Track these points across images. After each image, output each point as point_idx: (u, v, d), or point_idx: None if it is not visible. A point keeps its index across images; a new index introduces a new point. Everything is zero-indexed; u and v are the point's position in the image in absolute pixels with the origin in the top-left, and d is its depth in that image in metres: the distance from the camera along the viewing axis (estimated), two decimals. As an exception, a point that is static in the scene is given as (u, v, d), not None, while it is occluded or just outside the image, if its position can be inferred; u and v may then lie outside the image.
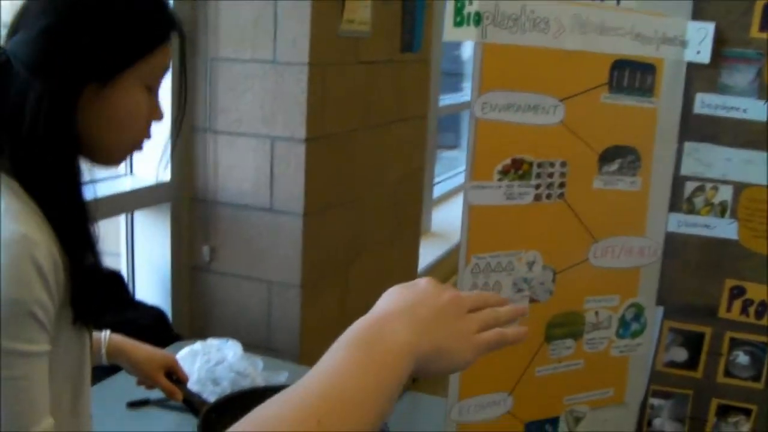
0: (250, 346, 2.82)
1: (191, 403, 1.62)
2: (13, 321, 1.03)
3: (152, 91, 1.23)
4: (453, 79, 5.95)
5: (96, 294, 1.21)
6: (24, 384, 1.04)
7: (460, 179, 6.01)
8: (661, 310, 1.82)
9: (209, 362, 2.11)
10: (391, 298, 0.99)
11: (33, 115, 1.11)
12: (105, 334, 1.63)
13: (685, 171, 1.76)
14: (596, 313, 1.77)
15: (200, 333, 2.90)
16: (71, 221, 1.16)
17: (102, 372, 1.86)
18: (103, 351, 1.62)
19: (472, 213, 1.61)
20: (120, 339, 1.66)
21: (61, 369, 1.18)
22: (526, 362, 1.73)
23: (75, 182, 1.18)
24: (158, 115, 1.26)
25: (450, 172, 6.15)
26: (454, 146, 6.50)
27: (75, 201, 1.18)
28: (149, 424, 1.96)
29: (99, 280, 1.23)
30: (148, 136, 1.27)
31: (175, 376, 1.69)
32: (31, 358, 1.05)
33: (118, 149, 1.24)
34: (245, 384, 2.10)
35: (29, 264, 1.04)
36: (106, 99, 1.17)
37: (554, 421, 1.81)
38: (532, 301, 1.70)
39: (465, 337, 0.98)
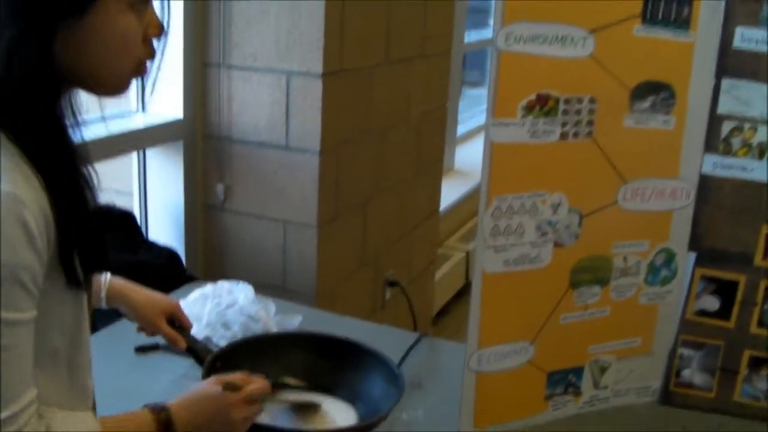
0: (264, 288, 2.76)
1: (195, 352, 1.55)
2: None
3: (139, 8, 1.12)
4: (479, 15, 5.80)
5: (88, 251, 1.13)
6: (7, 355, 1.00)
7: (485, 117, 5.88)
8: (693, 256, 1.72)
9: (220, 305, 2.04)
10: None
11: (7, 58, 1.02)
12: (105, 277, 1.56)
13: (722, 110, 1.65)
14: (624, 258, 1.68)
15: (214, 274, 2.84)
16: (58, 170, 1.08)
17: (110, 315, 1.79)
18: (103, 295, 1.55)
19: (494, 152, 1.51)
20: (121, 282, 1.58)
21: (56, 323, 1.13)
22: (550, 309, 1.64)
23: (58, 126, 1.10)
24: (155, 30, 1.15)
25: (474, 109, 6.02)
26: (479, 83, 6.37)
27: (60, 146, 1.10)
28: (158, 369, 1.90)
29: (91, 235, 1.14)
30: (150, 55, 1.16)
31: (178, 322, 1.61)
32: (16, 327, 1.01)
33: (119, 76, 1.14)
34: (257, 328, 2.03)
35: (15, 225, 0.98)
36: (89, 28, 1.07)
37: (578, 371, 1.72)
38: (556, 245, 1.60)
39: None
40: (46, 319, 1.10)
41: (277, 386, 1.52)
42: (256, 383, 1.32)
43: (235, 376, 1.31)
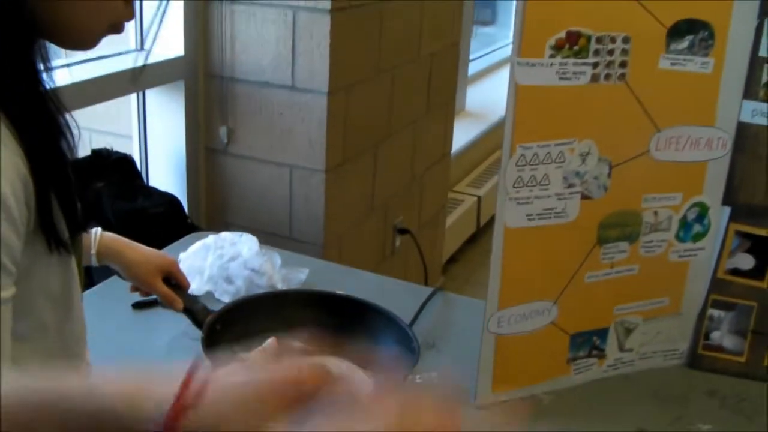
0: (270, 236, 2.66)
1: (193, 313, 1.43)
2: None
3: None
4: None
5: (70, 210, 1.04)
6: None
7: (496, 56, 5.74)
8: (727, 211, 1.60)
9: (222, 258, 1.93)
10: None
11: None
12: (95, 233, 1.44)
13: (764, 52, 1.51)
14: (655, 212, 1.55)
15: (217, 222, 2.74)
16: (32, 122, 0.98)
17: (107, 271, 1.68)
18: (93, 252, 1.43)
19: (519, 95, 1.38)
20: (112, 238, 1.46)
21: (42, 292, 1.04)
22: (575, 267, 1.53)
23: (31, 75, 0.99)
24: None
25: (486, 48, 5.86)
26: (490, 22, 6.20)
27: (33, 96, 1.00)
28: (156, 326, 1.79)
29: (72, 192, 1.05)
30: (129, 17, 1.06)
31: (174, 281, 1.49)
32: None
33: (92, 32, 1.04)
34: (261, 282, 1.92)
35: None
36: None
37: (603, 333, 1.61)
38: (584, 197, 1.48)
39: None
40: (31, 289, 1.01)
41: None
42: None
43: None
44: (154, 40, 1.19)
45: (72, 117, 1.04)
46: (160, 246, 2.16)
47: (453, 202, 4.26)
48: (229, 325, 1.37)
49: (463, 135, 4.49)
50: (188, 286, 1.49)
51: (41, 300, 1.03)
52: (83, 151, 2.50)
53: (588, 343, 1.61)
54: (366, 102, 2.73)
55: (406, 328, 1.41)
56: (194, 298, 1.46)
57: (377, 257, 3.12)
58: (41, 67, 1.00)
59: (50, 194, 0.99)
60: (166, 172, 2.70)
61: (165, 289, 1.45)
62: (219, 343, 1.28)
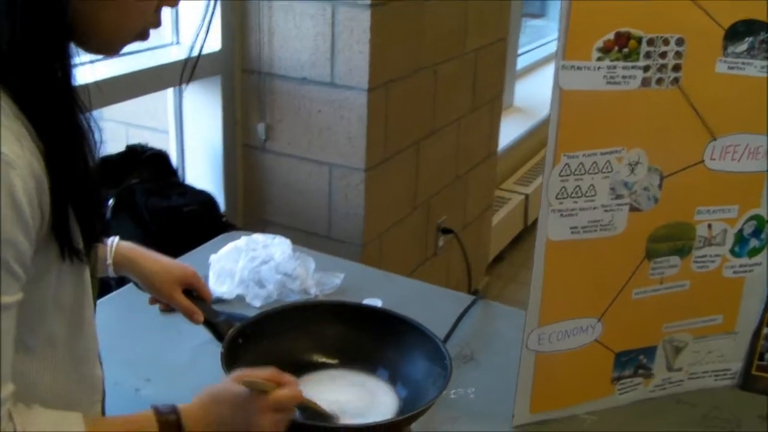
0: (308, 235, 2.60)
1: (214, 326, 1.36)
2: None
3: None
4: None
5: (87, 216, 0.98)
6: None
7: (546, 50, 5.62)
8: (787, 223, 1.49)
9: (254, 261, 1.87)
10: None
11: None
12: (112, 242, 1.38)
13: (828, 54, 1.41)
14: (709, 226, 1.46)
15: (253, 221, 2.68)
16: (53, 124, 0.93)
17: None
18: (109, 261, 1.37)
19: (564, 100, 1.29)
20: (129, 248, 1.40)
21: (53, 303, 0.98)
22: (622, 283, 1.44)
23: (58, 78, 0.94)
24: (172, 1, 1.02)
25: (535, 42, 5.74)
26: (540, 15, 6.08)
27: (59, 97, 0.95)
28: (184, 329, 1.73)
29: (90, 199, 0.99)
30: (156, 24, 1.03)
31: (195, 292, 1.42)
32: None
33: (119, 37, 1.01)
34: (294, 287, 1.86)
35: (3, 197, 0.84)
36: None
37: (650, 352, 1.52)
38: (633, 209, 1.39)
39: None
40: (41, 299, 0.96)
41: (307, 365, 1.35)
42: (288, 389, 1.11)
43: (263, 374, 1.11)
44: (205, 36, 1.14)
45: (95, 120, 0.99)
46: (193, 245, 2.12)
47: (499, 200, 4.17)
48: (252, 338, 1.31)
49: (511, 131, 4.39)
50: (210, 298, 1.42)
51: (52, 310, 0.98)
52: (119, 146, 2.46)
53: (634, 361, 1.51)
54: (407, 99, 2.65)
55: (439, 344, 1.33)
56: (216, 311, 1.39)
57: (419, 257, 3.04)
58: (67, 67, 0.95)
59: (66, 199, 0.93)
60: (202, 168, 2.64)
61: (185, 301, 1.39)
62: (241, 358, 1.21)
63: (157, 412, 1.04)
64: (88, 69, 1.00)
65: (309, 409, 1.21)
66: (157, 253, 1.42)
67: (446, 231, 3.14)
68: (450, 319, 1.80)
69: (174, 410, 1.05)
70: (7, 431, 0.91)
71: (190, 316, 1.38)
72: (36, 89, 0.91)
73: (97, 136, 1.00)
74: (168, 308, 1.43)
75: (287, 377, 1.12)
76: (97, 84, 1.02)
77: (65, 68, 0.94)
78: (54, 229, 0.93)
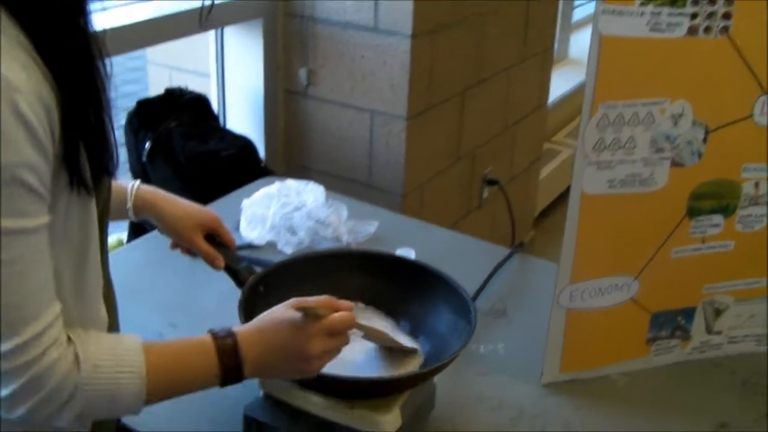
0: (349, 182, 2.56)
1: (235, 272, 1.33)
2: None
3: None
4: None
5: (97, 147, 0.97)
6: (20, 268, 0.87)
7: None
8: (840, 182, 1.41)
9: (286, 207, 1.83)
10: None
11: None
12: (132, 185, 1.35)
13: None
14: (756, 184, 1.38)
15: (294, 166, 2.65)
16: (68, 54, 0.92)
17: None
18: (129, 205, 1.34)
19: (604, 47, 1.23)
20: (150, 191, 1.37)
21: (60, 237, 0.96)
22: (661, 241, 1.38)
23: (74, 13, 0.92)
24: None
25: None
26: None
27: (71, 26, 0.93)
28: (213, 274, 1.71)
29: (101, 130, 0.97)
30: None
31: (218, 238, 1.39)
32: (25, 236, 0.88)
33: None
34: (326, 234, 1.83)
35: (11, 116, 0.83)
36: None
37: (689, 313, 1.46)
38: (675, 164, 1.33)
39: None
40: (52, 228, 0.94)
41: None
42: (342, 313, 1.09)
43: (319, 301, 1.09)
44: None
45: (108, 55, 0.97)
46: (230, 190, 2.09)
47: (549, 153, 4.08)
48: (273, 287, 1.27)
49: (564, 83, 4.29)
50: (233, 243, 1.39)
51: (60, 242, 0.96)
52: (159, 89, 2.44)
53: (671, 323, 1.46)
54: (453, 47, 2.57)
55: (464, 295, 1.28)
56: (238, 257, 1.36)
57: (463, 209, 2.99)
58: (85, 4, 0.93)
59: (76, 129, 0.92)
60: (243, 114, 2.61)
61: (205, 246, 1.36)
62: (260, 306, 1.18)
63: (215, 336, 1.03)
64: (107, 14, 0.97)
65: (380, 339, 1.22)
66: (179, 198, 1.39)
67: (492, 182, 3.07)
68: (485, 272, 1.75)
69: (231, 334, 1.04)
70: (70, 353, 0.91)
71: (211, 262, 1.35)
72: (45, 16, 0.89)
73: (108, 68, 0.98)
74: (189, 253, 1.40)
75: (342, 303, 1.11)
76: (127, 27, 0.99)
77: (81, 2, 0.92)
78: (64, 158, 0.91)
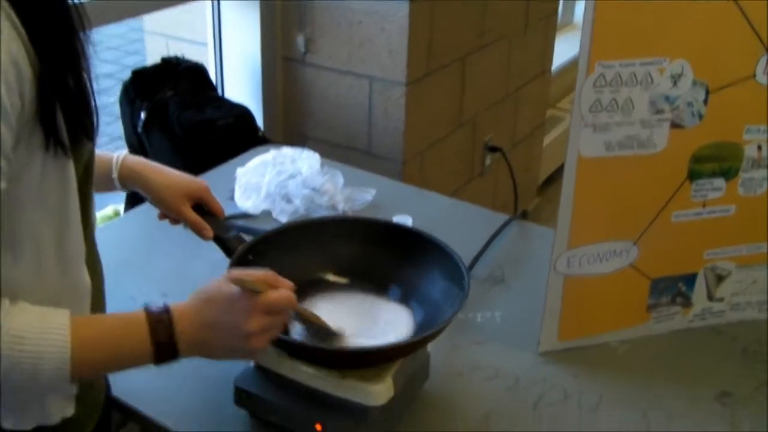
0: (348, 150, 2.52)
1: (224, 242, 1.30)
2: None
3: None
4: None
5: (73, 107, 0.94)
6: None
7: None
8: None
9: (281, 175, 1.80)
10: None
11: None
12: (118, 156, 1.32)
13: None
14: (759, 146, 1.35)
15: (293, 135, 2.62)
16: (46, 17, 0.89)
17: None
18: (114, 175, 1.31)
19: (600, 3, 1.18)
20: (137, 161, 1.34)
21: (37, 201, 0.94)
22: (660, 205, 1.34)
23: None
24: None
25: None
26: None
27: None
28: (204, 244, 1.69)
29: (78, 90, 0.95)
30: None
31: (206, 207, 1.36)
32: None
33: None
34: (322, 202, 1.80)
35: None
36: None
37: (690, 279, 1.43)
38: (675, 126, 1.29)
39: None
40: (26, 193, 0.92)
41: (319, 284, 1.28)
42: (281, 291, 1.03)
43: (257, 275, 1.03)
44: None
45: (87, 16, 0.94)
46: (227, 159, 2.06)
47: (553, 119, 4.04)
48: (262, 256, 1.24)
49: (569, 49, 4.22)
50: (222, 212, 1.36)
51: (36, 208, 0.93)
52: (156, 59, 2.40)
53: (672, 289, 1.43)
54: (453, 12, 2.53)
55: (457, 260, 1.25)
56: (227, 227, 1.33)
57: (464, 176, 2.95)
58: None
59: (52, 88, 0.89)
60: (241, 82, 2.57)
61: (193, 215, 1.33)
62: (250, 275, 1.15)
63: (149, 312, 0.99)
64: None
65: (309, 322, 1.16)
66: (166, 167, 1.35)
67: (494, 149, 3.03)
68: (484, 239, 1.72)
69: (166, 310, 0.99)
70: None
71: (199, 232, 1.33)
72: None
73: (89, 32, 0.95)
74: (177, 223, 1.37)
75: (282, 281, 1.05)
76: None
77: None
78: (39, 117, 0.89)
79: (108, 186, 1.31)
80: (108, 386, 1.23)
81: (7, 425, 0.97)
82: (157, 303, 1.01)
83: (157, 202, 1.34)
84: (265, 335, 1.03)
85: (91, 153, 1.05)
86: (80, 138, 0.97)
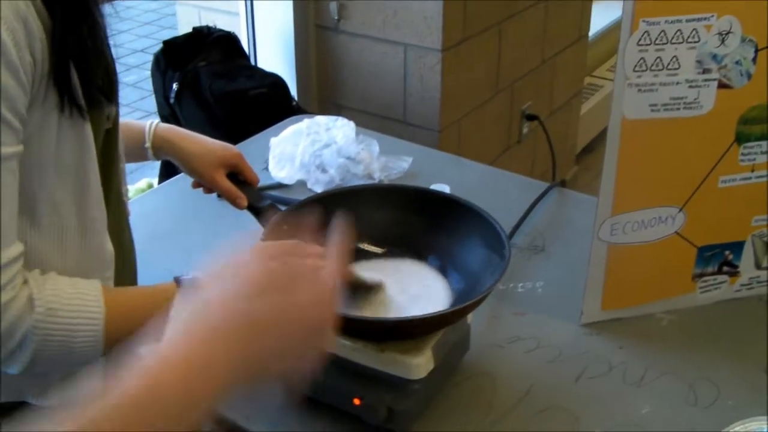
0: (383, 119, 2.49)
1: (258, 211, 1.27)
2: None
3: None
4: None
5: (89, 70, 0.91)
6: None
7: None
8: None
9: (315, 144, 1.77)
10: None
11: None
12: (150, 124, 1.30)
13: None
14: (811, 106, 1.29)
15: (327, 104, 2.59)
16: None
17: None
18: (147, 144, 1.29)
19: (645, -39, 1.13)
20: (169, 129, 1.32)
21: (53, 167, 0.92)
22: (707, 169, 1.29)
23: None
24: None
25: None
26: None
27: None
28: (241, 215, 1.67)
29: (95, 53, 0.93)
30: None
31: (241, 176, 1.33)
32: None
33: None
34: (357, 171, 1.77)
35: None
36: None
37: (737, 247, 1.38)
38: (722, 86, 1.23)
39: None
40: (42, 157, 0.90)
41: (356, 253, 1.25)
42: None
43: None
44: None
45: None
46: (260, 129, 2.04)
47: (591, 87, 3.97)
48: (297, 225, 1.21)
49: (607, 15, 4.15)
50: (256, 180, 1.33)
51: (54, 172, 0.92)
52: (187, 29, 2.37)
53: (718, 257, 1.38)
54: (489, -25, 2.48)
55: (497, 228, 1.21)
56: (261, 196, 1.30)
57: (501, 145, 2.91)
58: None
59: (65, 48, 0.87)
60: (274, 51, 2.54)
61: (227, 183, 1.30)
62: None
63: (179, 283, 0.98)
64: None
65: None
66: (200, 135, 1.33)
67: (531, 117, 2.98)
68: (523, 208, 1.68)
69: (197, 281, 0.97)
70: (23, 295, 0.86)
71: (233, 201, 1.31)
72: None
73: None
74: (211, 192, 1.35)
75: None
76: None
77: None
78: (53, 76, 0.87)
79: (141, 156, 1.30)
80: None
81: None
82: (186, 274, 0.99)
83: (191, 170, 1.32)
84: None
85: (115, 117, 1.03)
86: (98, 100, 0.95)
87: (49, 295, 0.88)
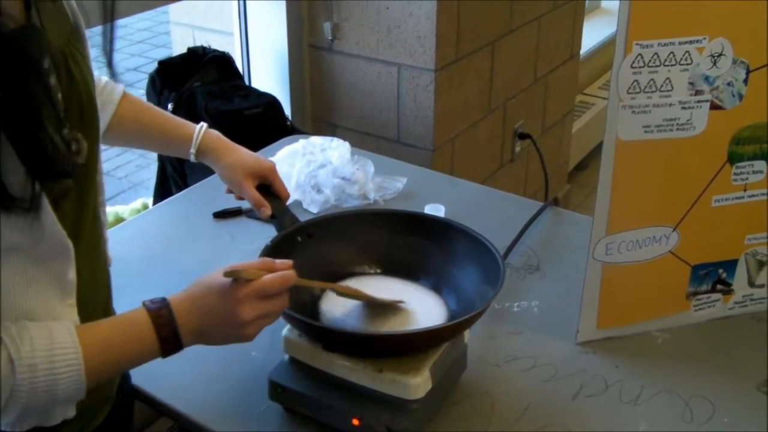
0: (377, 139, 2.50)
1: (281, 222, 1.31)
2: None
3: None
4: None
5: (32, 160, 0.83)
6: None
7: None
8: None
9: (311, 165, 1.78)
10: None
11: None
12: (199, 129, 1.39)
13: None
14: (802, 126, 1.31)
15: (321, 124, 2.60)
16: None
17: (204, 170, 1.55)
18: (192, 150, 1.38)
19: (637, -16, 1.15)
20: (214, 136, 1.40)
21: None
22: (700, 189, 1.31)
23: None
24: None
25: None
26: None
27: None
28: (237, 235, 1.68)
29: (37, 136, 0.83)
30: None
31: (273, 189, 1.38)
32: None
33: None
34: (352, 192, 1.78)
35: None
36: None
37: (730, 265, 1.39)
38: (714, 107, 1.25)
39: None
40: None
41: (351, 275, 1.27)
42: (275, 275, 1.02)
43: (253, 264, 1.04)
44: None
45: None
46: (255, 150, 2.04)
47: (582, 105, 3.99)
48: (314, 237, 1.27)
49: (597, 34, 4.19)
50: (286, 194, 1.39)
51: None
52: (183, 50, 2.39)
53: (712, 276, 1.39)
54: (482, -5, 2.50)
55: (491, 248, 1.22)
56: (287, 209, 1.35)
57: (494, 164, 2.92)
58: None
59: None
60: (268, 71, 2.55)
61: (255, 193, 1.36)
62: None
63: (149, 308, 0.98)
64: None
65: (363, 300, 1.19)
66: (241, 147, 1.41)
67: (524, 136, 3.00)
68: (518, 227, 1.69)
69: (165, 304, 0.99)
70: (3, 357, 0.85)
71: (258, 209, 1.36)
72: None
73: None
74: (241, 199, 1.42)
75: (279, 263, 1.05)
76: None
77: None
78: None
79: (177, 153, 1.41)
80: (127, 376, 1.23)
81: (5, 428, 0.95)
82: (154, 297, 1.00)
83: (223, 177, 1.40)
84: (261, 321, 1.03)
85: (92, 147, 0.99)
86: (48, 179, 0.87)
87: (26, 353, 0.86)
